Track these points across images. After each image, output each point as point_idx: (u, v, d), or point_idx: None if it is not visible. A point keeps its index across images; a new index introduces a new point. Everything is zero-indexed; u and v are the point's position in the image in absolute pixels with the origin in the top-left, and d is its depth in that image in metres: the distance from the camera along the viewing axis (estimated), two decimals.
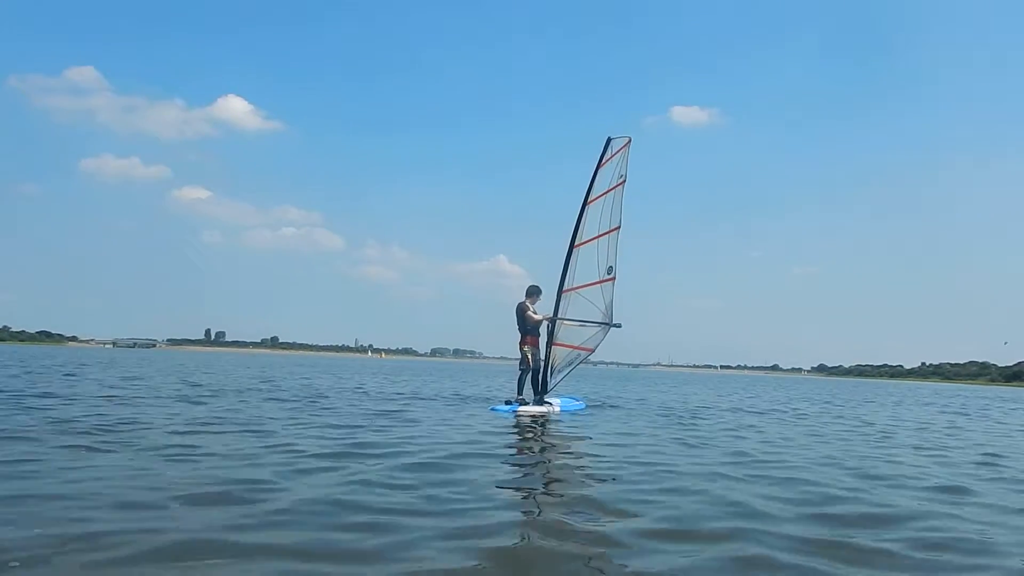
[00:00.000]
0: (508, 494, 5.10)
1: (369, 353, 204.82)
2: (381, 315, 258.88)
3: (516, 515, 4.40)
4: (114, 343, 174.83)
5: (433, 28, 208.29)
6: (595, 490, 5.29)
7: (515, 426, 9.93)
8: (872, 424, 13.33)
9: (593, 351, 12.62)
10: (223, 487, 4.61)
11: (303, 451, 6.32)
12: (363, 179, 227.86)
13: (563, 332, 12.33)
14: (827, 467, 6.83)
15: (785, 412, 15.71)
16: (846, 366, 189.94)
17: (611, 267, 12.17)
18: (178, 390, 13.77)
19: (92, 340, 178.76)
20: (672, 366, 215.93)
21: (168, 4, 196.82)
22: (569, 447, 8.15)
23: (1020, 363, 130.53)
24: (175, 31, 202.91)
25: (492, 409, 12.14)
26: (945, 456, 8.41)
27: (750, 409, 16.26)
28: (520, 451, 7.65)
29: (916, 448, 9.19)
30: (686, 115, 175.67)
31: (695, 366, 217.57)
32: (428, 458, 6.22)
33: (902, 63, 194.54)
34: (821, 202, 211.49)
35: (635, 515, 4.36)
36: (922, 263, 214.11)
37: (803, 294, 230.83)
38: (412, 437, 7.76)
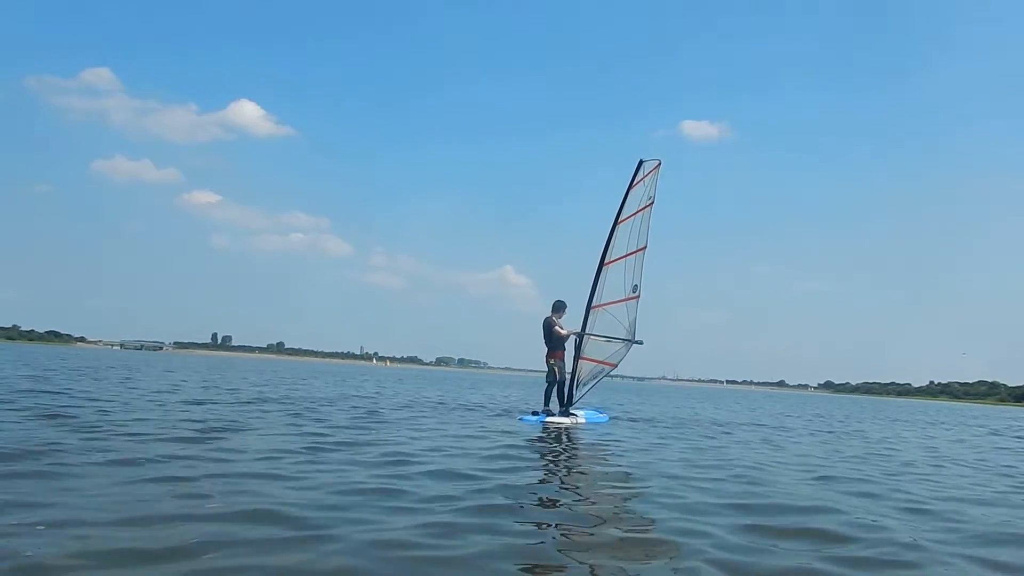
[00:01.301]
0: (540, 496, 5.56)
1: (374, 361, 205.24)
2: (387, 323, 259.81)
3: (549, 515, 4.85)
4: (121, 345, 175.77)
5: (445, 42, 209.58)
6: (620, 495, 5.76)
7: (544, 435, 10.36)
8: None
9: (616, 366, 13.05)
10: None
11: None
12: (372, 186, 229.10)
13: (589, 346, 12.73)
14: None
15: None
16: (853, 383, 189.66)
17: (636, 285, 12.59)
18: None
19: (100, 341, 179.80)
20: (678, 380, 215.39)
21: (184, 9, 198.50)
22: (595, 455, 8.62)
23: None
24: (190, 35, 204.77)
25: (521, 419, 12.58)
26: None
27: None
28: (548, 457, 8.13)
29: None
30: (696, 129, 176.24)
31: (700, 380, 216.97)
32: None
33: (911, 86, 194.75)
34: (828, 218, 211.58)
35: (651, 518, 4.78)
36: (930, 281, 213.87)
37: (809, 310, 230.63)
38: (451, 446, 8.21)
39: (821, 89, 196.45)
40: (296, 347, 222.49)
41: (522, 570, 3.53)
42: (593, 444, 9.77)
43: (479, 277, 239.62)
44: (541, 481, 6.36)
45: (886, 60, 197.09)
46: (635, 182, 12.48)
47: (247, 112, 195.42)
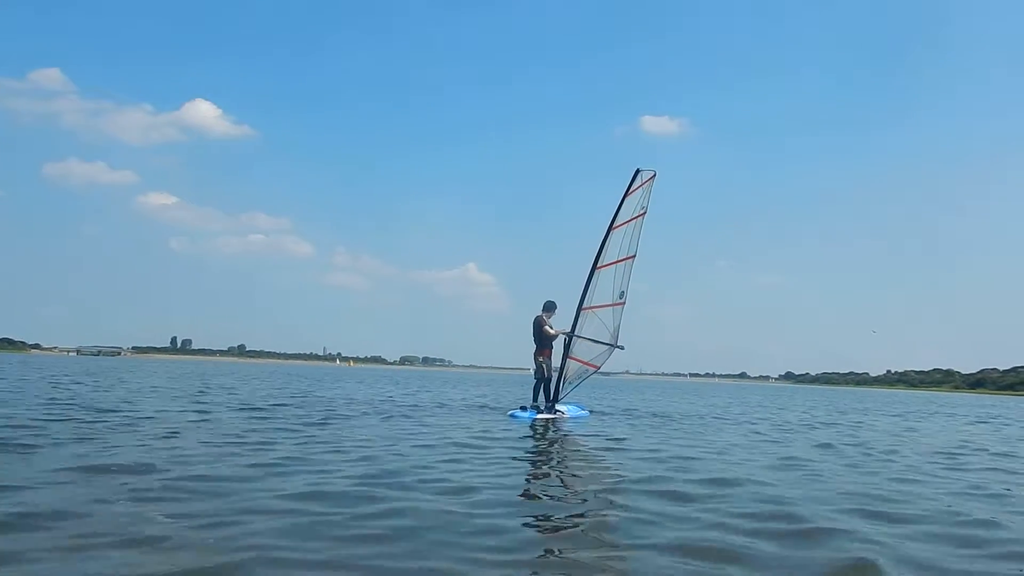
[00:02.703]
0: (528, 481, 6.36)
1: (337, 361, 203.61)
2: (350, 323, 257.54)
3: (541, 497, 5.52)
4: (78, 351, 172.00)
5: (404, 43, 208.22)
6: (603, 479, 6.54)
7: (532, 429, 11.05)
8: None
9: (599, 368, 13.56)
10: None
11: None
12: (333, 186, 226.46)
13: (577, 347, 13.21)
14: None
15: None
16: (813, 373, 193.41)
17: (623, 292, 13.08)
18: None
19: (55, 348, 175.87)
20: (641, 374, 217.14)
21: (135, 8, 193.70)
22: (579, 444, 9.50)
23: (983, 370, 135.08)
24: (143, 35, 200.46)
25: (511, 415, 13.10)
26: None
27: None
28: (539, 447, 9.00)
29: None
30: (656, 125, 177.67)
31: (663, 374, 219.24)
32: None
33: (874, 81, 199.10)
34: (787, 212, 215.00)
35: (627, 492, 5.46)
36: (886, 272, 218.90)
37: (770, 303, 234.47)
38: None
39: (782, 84, 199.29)
40: (258, 349, 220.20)
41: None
42: (579, 435, 10.49)
43: (442, 275, 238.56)
44: (536, 471, 7.02)
45: (847, 55, 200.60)
46: (631, 190, 12.92)
47: (203, 112, 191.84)
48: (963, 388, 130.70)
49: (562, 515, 4.87)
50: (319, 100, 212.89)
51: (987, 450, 10.85)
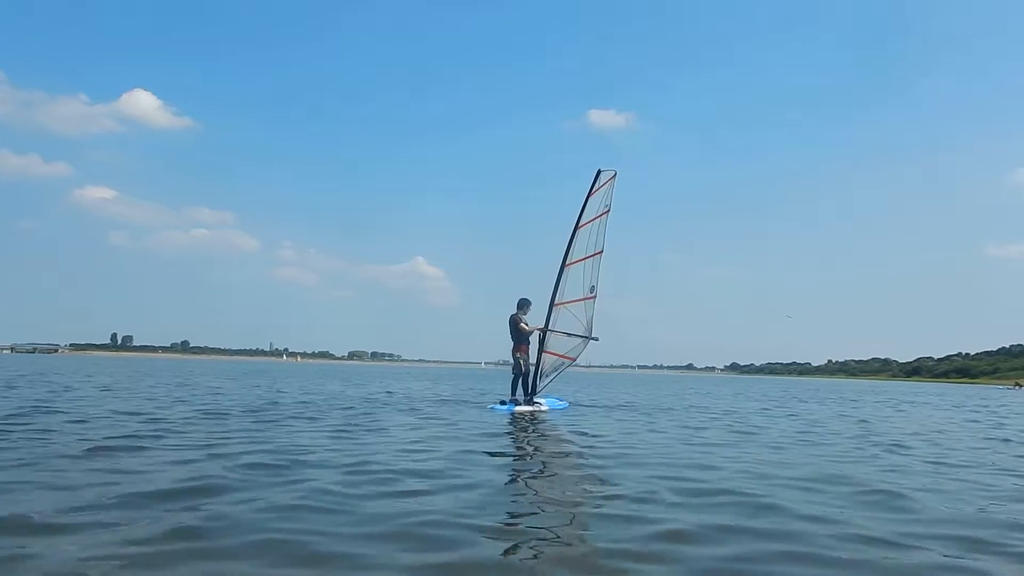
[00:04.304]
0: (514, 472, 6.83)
1: (284, 357, 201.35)
2: (296, 318, 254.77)
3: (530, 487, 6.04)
4: (12, 348, 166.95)
5: (347, 35, 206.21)
6: (584, 466, 7.10)
7: (513, 422, 11.56)
8: None
9: (575, 360, 14.24)
10: None
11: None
12: (278, 180, 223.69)
13: (552, 341, 13.84)
14: None
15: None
16: (757, 364, 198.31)
17: (593, 286, 13.77)
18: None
19: None
20: (590, 367, 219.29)
21: None
22: (560, 435, 10.06)
23: (919, 359, 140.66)
24: (78, 22, 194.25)
25: (491, 408, 13.71)
26: None
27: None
28: (519, 439, 9.49)
29: None
30: (603, 118, 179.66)
31: (612, 366, 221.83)
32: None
33: (830, 77, 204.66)
34: (734, 207, 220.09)
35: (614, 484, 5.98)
36: (828, 265, 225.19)
37: (714, 295, 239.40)
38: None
39: (728, 79, 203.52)
40: (202, 345, 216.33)
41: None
42: (556, 426, 11.12)
43: (390, 270, 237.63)
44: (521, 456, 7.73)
45: (787, 52, 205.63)
46: (593, 190, 13.60)
47: (143, 103, 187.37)
48: (900, 376, 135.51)
49: (544, 503, 5.25)
50: (262, 93, 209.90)
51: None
